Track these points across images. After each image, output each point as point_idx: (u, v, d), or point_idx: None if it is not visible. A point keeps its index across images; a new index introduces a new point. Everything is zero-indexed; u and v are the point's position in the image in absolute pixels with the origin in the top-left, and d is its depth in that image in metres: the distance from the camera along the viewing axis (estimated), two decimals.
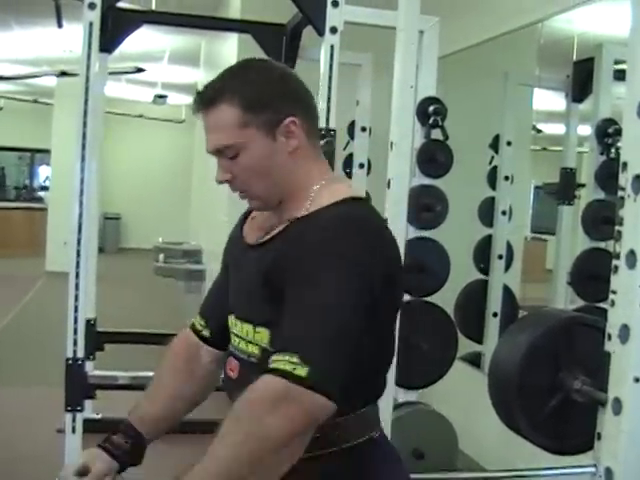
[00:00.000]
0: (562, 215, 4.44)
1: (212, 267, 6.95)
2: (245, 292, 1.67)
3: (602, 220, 3.94)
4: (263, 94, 1.57)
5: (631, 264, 1.69)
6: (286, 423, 1.33)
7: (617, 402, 1.74)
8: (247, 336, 1.63)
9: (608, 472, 1.92)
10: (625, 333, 1.62)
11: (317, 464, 1.53)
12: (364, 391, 1.60)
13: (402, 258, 1.69)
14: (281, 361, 1.37)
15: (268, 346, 1.55)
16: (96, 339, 4.81)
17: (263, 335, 1.58)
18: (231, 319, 1.71)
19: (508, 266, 5.09)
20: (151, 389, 1.86)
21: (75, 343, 3.84)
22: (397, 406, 4.19)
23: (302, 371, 1.34)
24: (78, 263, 3.82)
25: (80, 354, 3.86)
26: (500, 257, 5.07)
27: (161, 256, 7.31)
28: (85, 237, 3.82)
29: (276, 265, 1.56)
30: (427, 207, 3.99)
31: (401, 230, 2.95)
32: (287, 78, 1.64)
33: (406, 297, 4.19)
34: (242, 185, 1.63)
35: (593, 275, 3.93)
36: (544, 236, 5.39)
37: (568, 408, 2.71)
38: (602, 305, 3.76)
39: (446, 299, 4.32)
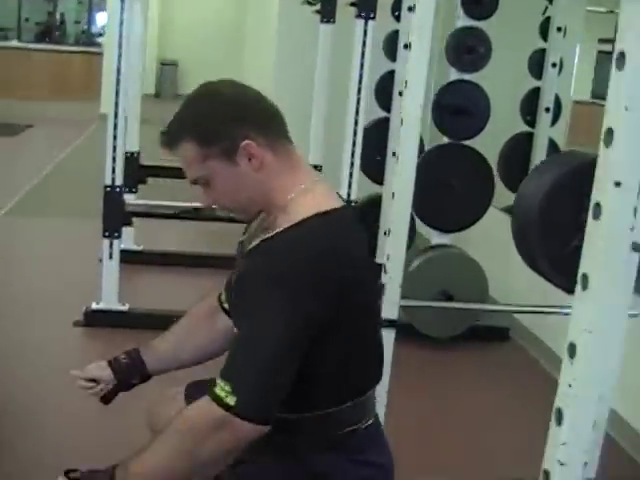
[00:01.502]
0: None
1: None
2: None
3: None
4: (214, 125, 1.64)
5: None
6: (219, 447, 1.54)
7: None
8: None
9: None
10: None
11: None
12: (322, 396, 1.70)
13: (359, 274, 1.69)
14: (220, 386, 1.53)
15: None
16: (138, 172, 4.89)
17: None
18: None
19: (555, 120, 4.98)
20: (167, 332, 2.03)
21: (113, 171, 3.91)
22: (429, 248, 4.23)
23: (232, 400, 1.50)
24: (117, 103, 3.86)
25: (118, 182, 3.92)
26: (547, 110, 4.95)
27: None
28: (124, 77, 3.84)
29: (237, 284, 1.72)
30: (469, 49, 3.90)
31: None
32: (236, 100, 1.70)
33: (444, 139, 4.17)
34: (223, 205, 1.72)
35: None
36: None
37: None
38: None
39: (487, 146, 4.26)
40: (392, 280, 2.51)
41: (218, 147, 1.63)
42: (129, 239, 5.10)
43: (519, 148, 4.96)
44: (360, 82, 3.94)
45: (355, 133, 3.95)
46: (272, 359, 1.54)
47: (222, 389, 1.51)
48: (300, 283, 1.55)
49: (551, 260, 2.76)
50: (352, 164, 3.97)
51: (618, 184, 1.18)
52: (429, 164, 3.88)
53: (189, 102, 1.72)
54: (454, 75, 4.04)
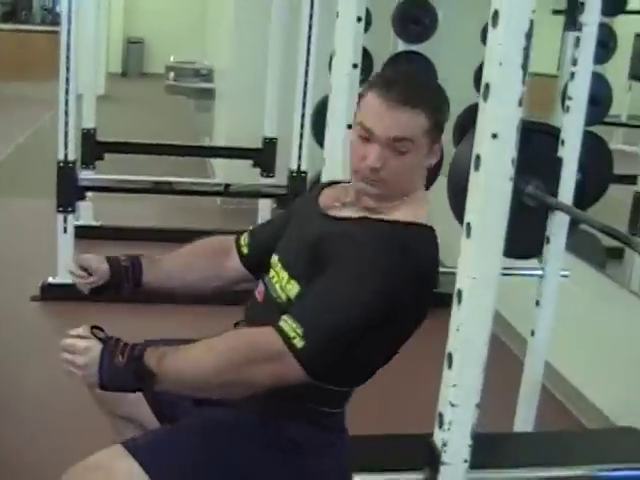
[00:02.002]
0: None
1: (222, 86, 6.96)
2: (297, 245, 1.82)
3: None
4: (443, 120, 1.76)
5: None
6: (263, 376, 1.56)
7: None
8: (281, 281, 1.79)
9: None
10: None
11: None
12: (353, 376, 1.74)
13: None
14: (289, 325, 1.57)
15: (292, 298, 1.72)
16: (95, 148, 4.92)
17: (292, 287, 1.74)
18: (274, 259, 1.86)
19: None
20: (173, 252, 2.05)
21: (65, 147, 3.94)
22: None
23: (299, 343, 1.54)
24: (67, 79, 3.91)
25: (71, 157, 3.95)
26: None
27: (172, 74, 7.35)
28: (74, 55, 3.86)
29: (331, 242, 1.71)
30: (415, 20, 3.95)
31: None
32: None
33: None
34: (386, 175, 1.71)
35: None
36: None
37: (520, 212, 2.78)
38: None
39: None
40: None
41: (436, 135, 1.73)
42: (88, 215, 5.14)
43: (474, 118, 5.00)
44: (308, 54, 3.99)
45: (304, 105, 4.00)
46: (351, 326, 1.58)
47: (293, 330, 1.56)
48: (406, 282, 1.60)
49: None
50: (302, 135, 4.02)
51: (495, 136, 1.24)
52: None
53: (425, 85, 1.83)
54: (401, 46, 4.09)
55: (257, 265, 1.99)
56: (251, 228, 2.10)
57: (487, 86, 1.23)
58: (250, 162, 5.03)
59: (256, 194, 4.80)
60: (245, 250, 2.02)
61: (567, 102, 2.59)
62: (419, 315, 1.68)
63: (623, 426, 2.55)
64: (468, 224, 1.29)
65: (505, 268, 3.13)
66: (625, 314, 3.30)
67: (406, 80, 1.76)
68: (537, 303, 2.69)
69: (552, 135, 2.71)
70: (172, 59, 7.81)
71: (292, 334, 1.55)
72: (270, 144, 4.93)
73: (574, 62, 2.54)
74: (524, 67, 1.22)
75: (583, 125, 2.64)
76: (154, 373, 1.53)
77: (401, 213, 1.71)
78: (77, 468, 1.65)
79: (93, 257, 1.98)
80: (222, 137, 6.49)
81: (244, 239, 2.04)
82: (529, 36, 1.22)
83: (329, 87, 2.69)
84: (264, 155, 4.95)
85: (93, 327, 1.60)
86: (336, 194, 1.88)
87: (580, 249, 3.75)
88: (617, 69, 5.39)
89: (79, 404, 2.19)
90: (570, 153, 2.62)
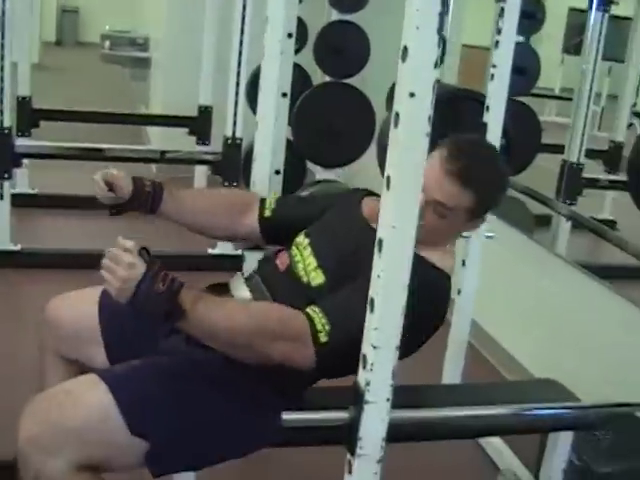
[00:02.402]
0: None
1: (157, 55, 6.94)
2: (334, 241, 1.94)
3: None
4: (490, 204, 1.91)
5: None
6: (281, 354, 1.65)
7: None
8: (306, 265, 1.91)
9: None
10: None
11: None
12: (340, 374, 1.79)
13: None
14: (319, 318, 1.68)
15: (314, 285, 1.85)
16: (31, 115, 4.92)
17: (317, 276, 1.87)
18: (303, 240, 1.97)
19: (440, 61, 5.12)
20: (198, 191, 2.13)
21: (1, 113, 3.93)
22: (314, 183, 4.37)
23: (323, 338, 1.66)
24: (2, 45, 3.88)
25: (7, 124, 3.95)
26: None
27: (107, 43, 7.32)
28: (8, 23, 3.86)
29: (369, 254, 1.74)
30: None
31: None
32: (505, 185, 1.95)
33: (325, 78, 4.31)
34: (426, 226, 1.81)
35: None
36: None
37: None
38: None
39: (369, 85, 4.40)
40: None
41: (479, 216, 1.91)
42: (24, 183, 5.14)
43: None
44: (243, 23, 4.03)
45: (238, 74, 4.05)
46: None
47: (322, 324, 1.67)
48: (424, 314, 1.72)
49: None
50: (236, 103, 4.07)
51: (412, 95, 1.33)
52: (311, 102, 4.03)
53: (485, 160, 1.92)
54: (335, 16, 4.17)
55: (273, 232, 2.12)
56: (278, 195, 2.21)
57: (405, 49, 1.32)
58: (186, 130, 5.08)
59: (191, 161, 4.84)
60: (268, 213, 2.12)
61: (491, 70, 2.69)
62: (423, 341, 1.83)
63: (543, 378, 2.69)
64: (388, 177, 1.37)
65: None
66: (549, 275, 3.44)
67: (471, 156, 1.87)
68: (463, 263, 2.82)
69: (479, 102, 2.82)
70: (107, 28, 7.78)
71: (319, 327, 1.67)
72: (205, 112, 4.98)
73: (498, 31, 2.65)
74: (440, 31, 1.31)
75: (507, 92, 2.75)
76: (185, 310, 1.58)
77: (431, 254, 1.84)
78: (48, 392, 1.72)
79: (120, 174, 2.06)
80: (158, 106, 6.50)
81: (270, 203, 2.14)
82: (445, 2, 1.30)
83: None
84: (199, 123, 5.00)
85: (142, 248, 1.63)
86: (377, 209, 1.99)
87: (510, 216, 3.89)
88: (552, 43, 5.54)
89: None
90: (494, 119, 2.73)
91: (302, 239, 1.97)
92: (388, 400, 1.48)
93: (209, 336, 1.67)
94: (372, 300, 1.43)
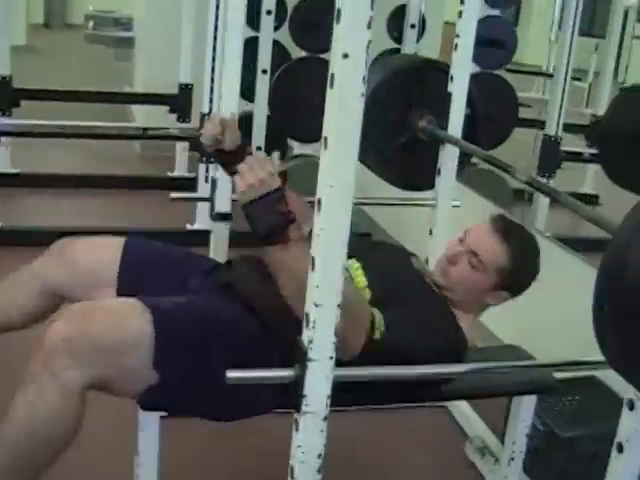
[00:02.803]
0: None
1: (141, 35, 6.93)
2: (385, 272, 2.12)
3: None
4: (518, 278, 2.10)
5: None
6: (340, 329, 1.60)
7: None
8: (357, 282, 2.05)
9: None
10: None
11: None
12: None
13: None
14: (380, 317, 1.83)
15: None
16: (11, 95, 4.93)
17: (365, 293, 2.01)
18: (354, 262, 2.12)
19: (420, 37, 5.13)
20: None
21: None
22: (292, 157, 4.40)
23: (376, 336, 1.80)
24: None
25: None
26: (412, 26, 5.09)
27: (91, 23, 7.31)
28: None
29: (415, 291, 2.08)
30: None
31: None
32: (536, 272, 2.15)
33: (301, 53, 4.32)
34: (454, 274, 2.11)
35: None
36: None
37: (414, 146, 2.92)
38: None
39: None
40: (224, 176, 2.68)
41: (506, 283, 2.09)
42: (5, 163, 5.15)
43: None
44: None
45: (214, 49, 4.05)
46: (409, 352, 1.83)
47: (380, 325, 1.81)
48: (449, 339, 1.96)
49: (380, 156, 2.97)
50: (212, 80, 4.08)
51: (346, 56, 1.35)
52: (288, 77, 4.04)
53: (532, 243, 2.17)
54: None
55: None
56: None
57: (339, 11, 1.34)
58: (167, 108, 5.11)
59: (172, 137, 4.87)
60: None
61: (455, 40, 2.71)
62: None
63: (507, 344, 2.73)
64: (325, 138, 1.40)
65: (402, 199, 3.30)
66: None
67: (518, 227, 2.13)
68: (430, 232, 2.85)
69: (445, 72, 2.84)
70: (91, 8, 7.76)
71: (377, 325, 1.80)
72: (186, 90, 5.01)
73: (461, 1, 2.67)
74: None
75: (470, 63, 2.78)
76: (287, 239, 1.67)
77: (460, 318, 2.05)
78: (85, 305, 1.81)
79: (234, 124, 1.96)
80: (141, 85, 6.51)
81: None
82: None
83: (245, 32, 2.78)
84: (180, 101, 5.03)
85: (282, 172, 1.74)
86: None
87: (489, 190, 3.92)
88: (542, 20, 5.55)
89: None
90: (458, 89, 2.76)
91: (352, 262, 2.10)
92: (331, 358, 1.50)
93: (288, 275, 1.71)
94: (313, 258, 1.45)
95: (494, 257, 2.04)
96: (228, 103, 2.65)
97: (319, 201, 1.42)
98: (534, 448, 2.56)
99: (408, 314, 1.92)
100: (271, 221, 1.65)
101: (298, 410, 1.54)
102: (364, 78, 1.37)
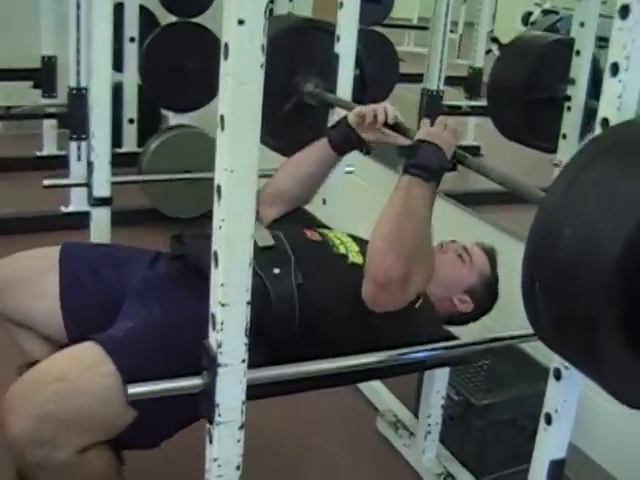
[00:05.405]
0: None
1: None
2: None
3: None
4: (484, 293, 2.19)
5: None
6: (402, 270, 1.73)
7: None
8: (348, 246, 2.04)
9: None
10: None
11: None
12: None
13: None
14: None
15: (351, 262, 1.97)
16: None
17: (358, 258, 1.98)
18: (343, 233, 2.14)
19: None
20: None
21: None
22: (167, 129, 4.19)
23: (417, 305, 1.85)
24: None
25: None
26: None
27: None
28: None
29: None
30: None
31: None
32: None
33: (172, 18, 4.10)
34: (445, 255, 2.19)
35: None
36: None
37: (302, 112, 2.77)
38: None
39: (220, 23, 4.20)
40: (100, 158, 2.48)
41: (473, 292, 2.17)
42: None
43: None
44: None
45: (78, 18, 3.78)
46: None
47: (418, 298, 1.86)
48: None
49: (267, 126, 2.78)
50: (78, 51, 3.82)
51: (242, 22, 1.18)
52: (158, 45, 3.83)
53: (496, 282, 2.25)
54: None
55: None
56: None
57: None
58: (30, 84, 4.78)
59: (41, 115, 4.57)
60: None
61: None
62: None
63: None
64: (222, 116, 1.23)
65: None
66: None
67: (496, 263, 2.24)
68: (324, 202, 2.71)
69: (330, 33, 2.69)
70: None
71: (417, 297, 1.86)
72: (49, 63, 4.68)
73: None
74: None
75: (357, 21, 2.64)
76: (436, 186, 1.83)
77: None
78: (34, 378, 1.60)
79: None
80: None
81: None
82: None
83: None
84: (43, 75, 4.69)
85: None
86: None
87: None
88: None
89: None
90: (346, 49, 2.62)
91: (341, 233, 2.13)
92: (244, 361, 1.35)
93: (410, 213, 1.79)
94: (215, 253, 1.28)
95: (482, 262, 2.19)
96: (100, 75, 2.43)
97: (218, 188, 1.25)
98: (450, 418, 2.48)
99: None
100: (445, 164, 1.86)
101: (211, 421, 1.38)
102: (263, 47, 1.20)
